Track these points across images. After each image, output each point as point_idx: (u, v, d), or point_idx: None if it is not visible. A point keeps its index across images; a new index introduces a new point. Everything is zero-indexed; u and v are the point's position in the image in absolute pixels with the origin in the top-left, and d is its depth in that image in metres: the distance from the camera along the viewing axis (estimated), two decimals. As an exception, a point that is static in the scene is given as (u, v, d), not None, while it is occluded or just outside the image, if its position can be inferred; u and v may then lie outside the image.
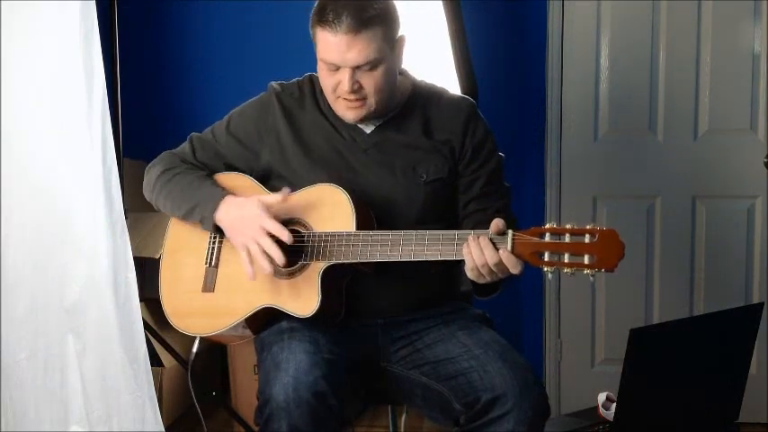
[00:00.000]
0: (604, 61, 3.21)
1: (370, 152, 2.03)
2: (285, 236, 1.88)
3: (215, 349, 3.22)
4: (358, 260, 1.90)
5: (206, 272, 2.04)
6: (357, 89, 1.93)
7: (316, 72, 2.03)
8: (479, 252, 1.78)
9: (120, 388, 2.38)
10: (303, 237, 1.94)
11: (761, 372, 3.14)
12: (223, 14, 3.38)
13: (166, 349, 2.83)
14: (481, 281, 1.82)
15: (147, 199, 2.15)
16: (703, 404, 2.14)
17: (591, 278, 1.74)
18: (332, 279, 1.93)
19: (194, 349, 2.16)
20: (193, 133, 2.16)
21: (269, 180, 2.07)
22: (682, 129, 3.20)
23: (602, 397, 2.36)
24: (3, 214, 2.20)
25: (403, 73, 2.09)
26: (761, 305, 2.18)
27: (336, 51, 1.90)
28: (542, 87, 3.26)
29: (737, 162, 3.19)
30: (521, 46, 3.29)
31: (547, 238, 1.74)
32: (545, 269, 1.74)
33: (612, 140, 3.25)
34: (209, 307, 2.02)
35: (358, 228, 1.90)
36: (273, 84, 2.12)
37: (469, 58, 2.77)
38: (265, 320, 2.00)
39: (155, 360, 2.88)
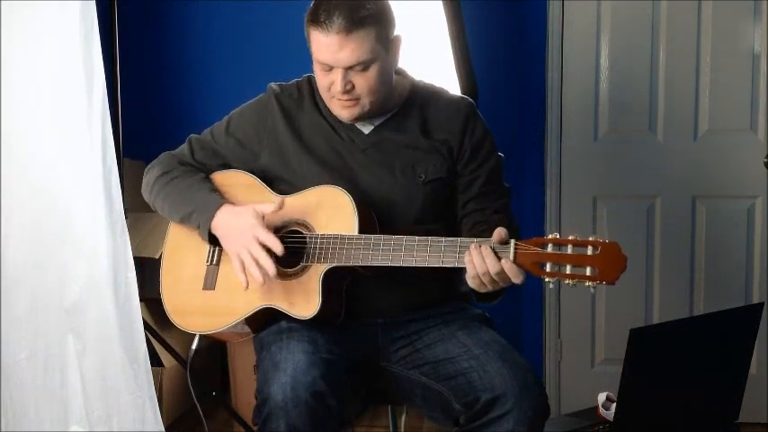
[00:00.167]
0: (604, 61, 3.21)
1: (369, 152, 2.03)
2: (278, 248, 1.88)
3: (215, 349, 3.22)
4: (359, 264, 1.90)
5: (207, 270, 2.04)
6: (350, 89, 1.93)
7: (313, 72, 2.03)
8: (481, 260, 1.77)
9: (120, 388, 2.38)
10: (305, 238, 1.94)
11: (761, 372, 3.14)
12: (223, 14, 3.39)
13: (166, 349, 2.83)
14: (482, 290, 1.82)
15: (146, 201, 2.15)
16: (703, 404, 2.14)
17: (591, 290, 1.74)
18: (332, 281, 1.93)
19: (193, 346, 2.16)
20: (192, 135, 2.16)
21: (268, 180, 2.07)
22: (681, 129, 3.19)
23: (602, 397, 2.36)
24: (3, 214, 2.20)
25: (401, 73, 2.09)
26: (761, 305, 2.18)
27: (328, 52, 1.90)
28: (542, 87, 3.26)
29: (737, 162, 3.19)
30: (521, 46, 3.29)
31: (549, 248, 1.74)
32: (546, 279, 1.74)
33: (612, 140, 3.25)
34: (209, 305, 2.02)
35: (360, 230, 1.90)
36: (272, 85, 2.12)
37: (469, 58, 2.77)
38: (265, 320, 2.00)
39: (155, 360, 2.88)
